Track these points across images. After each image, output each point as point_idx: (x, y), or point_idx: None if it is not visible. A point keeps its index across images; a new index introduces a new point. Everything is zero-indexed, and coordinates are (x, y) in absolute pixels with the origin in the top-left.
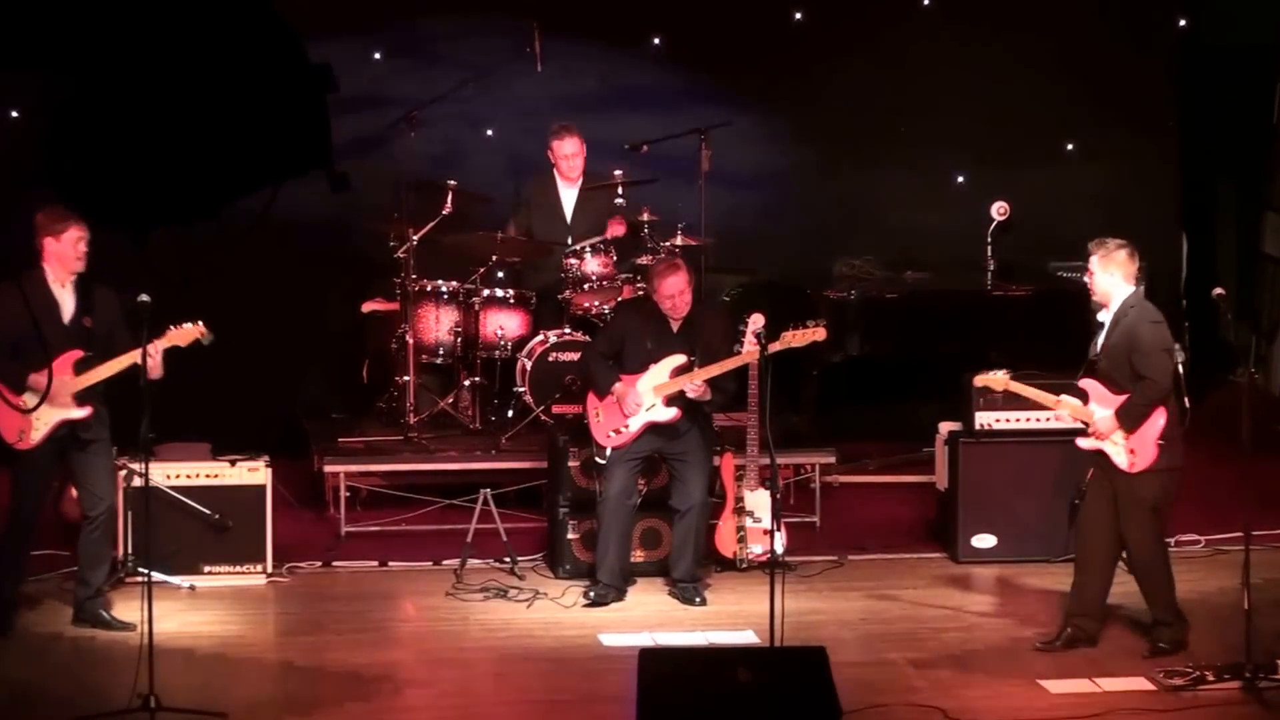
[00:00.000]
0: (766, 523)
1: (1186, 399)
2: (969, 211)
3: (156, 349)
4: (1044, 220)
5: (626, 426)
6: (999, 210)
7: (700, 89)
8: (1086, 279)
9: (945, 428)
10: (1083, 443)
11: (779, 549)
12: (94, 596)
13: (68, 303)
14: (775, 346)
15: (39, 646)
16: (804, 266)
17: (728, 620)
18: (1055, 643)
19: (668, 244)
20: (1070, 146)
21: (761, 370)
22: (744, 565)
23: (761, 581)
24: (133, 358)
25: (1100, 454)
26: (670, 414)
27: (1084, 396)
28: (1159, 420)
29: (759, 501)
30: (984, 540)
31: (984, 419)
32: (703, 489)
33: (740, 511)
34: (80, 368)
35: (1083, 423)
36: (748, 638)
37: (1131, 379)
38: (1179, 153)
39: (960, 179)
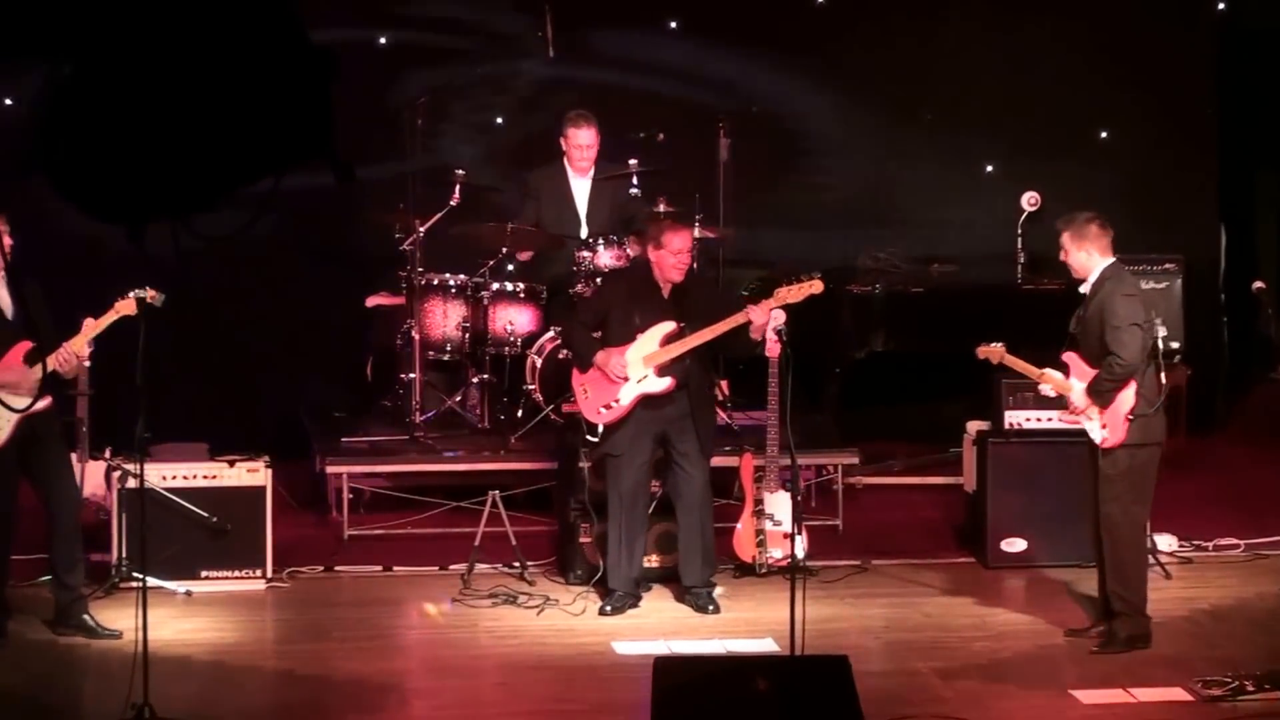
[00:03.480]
0: (787, 526)
1: (1163, 375)
2: (999, 202)
3: (93, 328)
4: (1077, 211)
5: (618, 400)
6: (1030, 201)
7: (718, 74)
8: (1062, 257)
9: (973, 427)
10: (1061, 417)
11: (800, 553)
12: (76, 599)
13: (4, 297)
14: (771, 304)
15: (28, 654)
16: (826, 259)
17: (746, 628)
18: (1089, 631)
19: None
20: (1104, 135)
21: (782, 368)
22: (763, 570)
23: (781, 587)
24: (93, 328)
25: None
26: (664, 384)
27: (1065, 370)
28: (1128, 396)
29: (779, 504)
30: (1014, 544)
31: (1014, 418)
32: (705, 482)
33: (759, 514)
34: (31, 359)
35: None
36: (767, 646)
37: (1103, 354)
38: (1217, 141)
39: (990, 168)
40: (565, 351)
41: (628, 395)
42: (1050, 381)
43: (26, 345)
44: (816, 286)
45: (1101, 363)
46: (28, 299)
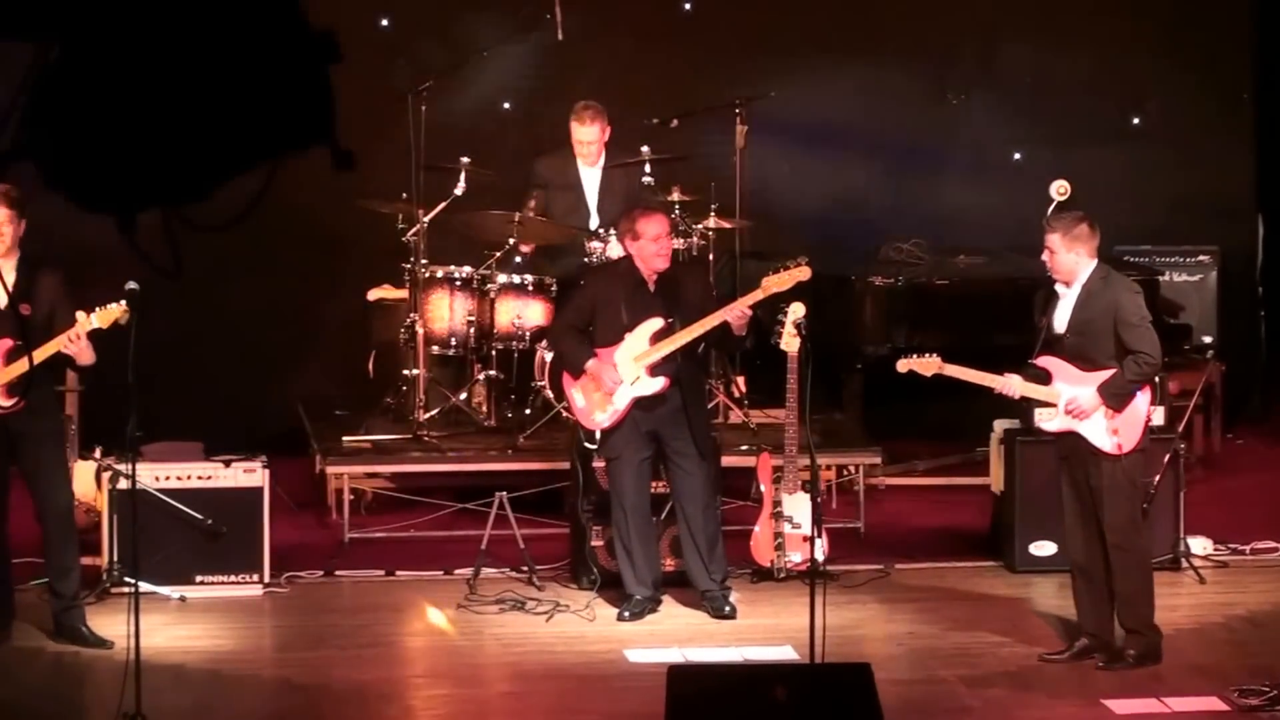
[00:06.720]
0: (806, 529)
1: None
2: (1027, 191)
3: (80, 333)
4: (1108, 201)
5: (612, 405)
6: (1059, 190)
7: (736, 58)
8: (1045, 258)
9: (1001, 426)
10: (1050, 425)
11: (820, 557)
12: (68, 609)
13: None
14: (756, 295)
15: (17, 662)
16: (848, 250)
17: (764, 634)
18: (1065, 655)
19: (700, 226)
20: (1137, 121)
21: (801, 364)
22: (782, 575)
23: (801, 592)
24: (59, 343)
25: (1069, 439)
26: (658, 384)
27: (1046, 376)
28: (1145, 397)
29: (798, 506)
30: (1043, 548)
31: (1043, 416)
32: (705, 480)
33: (778, 517)
34: (11, 357)
35: (1028, 401)
36: (786, 653)
37: (1113, 355)
38: (1254, 127)
39: (1017, 156)
40: None
41: (622, 399)
42: (1020, 387)
43: (8, 343)
44: (804, 273)
45: (1112, 363)
46: (37, 290)
